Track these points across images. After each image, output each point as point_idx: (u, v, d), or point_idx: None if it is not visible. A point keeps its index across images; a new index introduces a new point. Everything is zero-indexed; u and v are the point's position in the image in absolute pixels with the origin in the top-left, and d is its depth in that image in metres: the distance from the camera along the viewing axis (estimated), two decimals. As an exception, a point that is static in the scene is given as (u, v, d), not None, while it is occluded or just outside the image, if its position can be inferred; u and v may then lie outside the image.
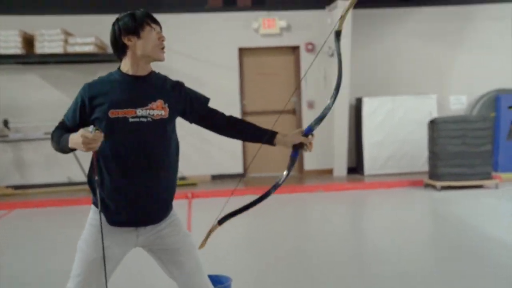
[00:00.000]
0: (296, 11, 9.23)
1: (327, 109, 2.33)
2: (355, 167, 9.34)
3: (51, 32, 8.04)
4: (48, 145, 9.29)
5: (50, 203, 7.70)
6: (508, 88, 9.32)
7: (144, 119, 2.18)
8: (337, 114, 8.89)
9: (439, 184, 7.58)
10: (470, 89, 9.54)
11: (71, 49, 8.09)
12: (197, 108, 2.36)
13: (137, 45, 2.19)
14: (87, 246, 2.20)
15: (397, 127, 8.87)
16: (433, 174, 7.75)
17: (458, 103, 9.65)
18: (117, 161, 2.17)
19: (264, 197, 2.40)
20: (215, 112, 2.39)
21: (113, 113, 2.15)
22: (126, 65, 2.24)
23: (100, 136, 2.00)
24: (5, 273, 4.52)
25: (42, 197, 8.11)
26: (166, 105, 2.23)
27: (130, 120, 2.16)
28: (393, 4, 9.51)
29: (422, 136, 8.43)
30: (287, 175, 2.42)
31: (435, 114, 8.76)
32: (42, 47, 8.03)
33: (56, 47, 8.03)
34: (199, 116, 2.37)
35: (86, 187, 9.66)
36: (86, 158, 2.82)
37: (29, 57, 8.17)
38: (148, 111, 2.19)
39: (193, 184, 8.60)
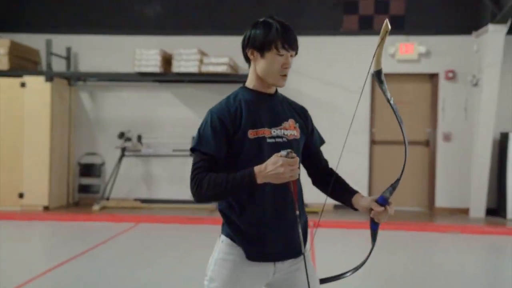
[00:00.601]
0: (438, 36, 8.63)
1: (398, 181, 2.01)
2: (496, 209, 8.41)
3: (188, 52, 8.23)
4: (175, 162, 9.45)
5: (175, 220, 7.78)
6: None
7: (279, 139, 1.98)
8: (477, 149, 8.10)
9: None
10: None
11: (205, 69, 8.21)
12: (312, 142, 2.18)
13: (257, 63, 2.00)
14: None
15: (549, 167, 7.87)
16: None
17: None
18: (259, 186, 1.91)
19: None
20: (322, 156, 2.24)
21: (252, 134, 1.95)
22: (251, 80, 2.06)
23: (297, 160, 1.78)
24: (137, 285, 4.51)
25: (166, 212, 8.25)
26: (297, 125, 2.07)
27: (268, 140, 1.96)
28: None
29: None
30: (371, 249, 2.12)
31: None
32: (179, 66, 8.24)
33: (191, 67, 8.20)
34: (309, 152, 2.18)
35: (207, 206, 9.60)
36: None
37: (166, 75, 8.42)
38: (282, 130, 2.01)
39: (315, 212, 8.26)
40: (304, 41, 8.73)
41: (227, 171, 1.87)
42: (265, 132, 1.96)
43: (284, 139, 1.99)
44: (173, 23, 9.06)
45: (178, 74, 8.30)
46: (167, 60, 8.44)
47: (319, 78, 8.73)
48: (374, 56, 1.94)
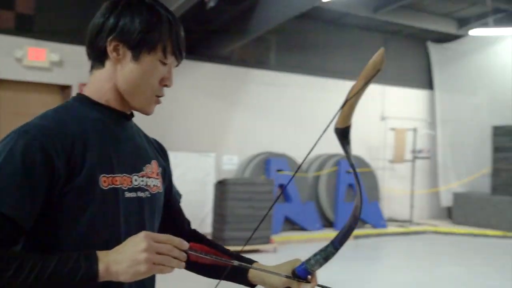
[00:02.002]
0: (71, 45, 8.02)
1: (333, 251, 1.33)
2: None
3: None
4: None
5: None
6: (276, 152, 9.63)
7: (142, 194, 1.28)
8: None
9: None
10: (242, 149, 9.59)
11: None
12: (172, 196, 1.50)
13: (124, 67, 1.24)
14: None
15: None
16: (219, 237, 7.29)
17: (230, 163, 9.57)
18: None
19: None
20: (185, 216, 1.57)
21: (105, 181, 1.18)
22: (100, 90, 1.27)
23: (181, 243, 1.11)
24: None
25: None
26: (160, 170, 1.38)
27: (126, 195, 1.23)
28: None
29: (203, 196, 7.99)
30: None
31: (212, 174, 8.45)
32: None
33: None
34: (169, 211, 1.48)
35: None
36: None
37: None
38: (145, 179, 1.30)
39: None
40: None
41: (41, 252, 1.10)
42: (124, 180, 1.22)
43: (147, 193, 1.29)
44: None
45: None
46: None
47: None
48: (343, 104, 1.17)
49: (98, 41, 1.24)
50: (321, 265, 1.30)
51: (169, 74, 1.29)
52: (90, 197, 1.15)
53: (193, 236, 1.52)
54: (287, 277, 1.31)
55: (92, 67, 1.29)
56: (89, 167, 1.16)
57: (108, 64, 1.26)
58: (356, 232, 9.59)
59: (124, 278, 1.06)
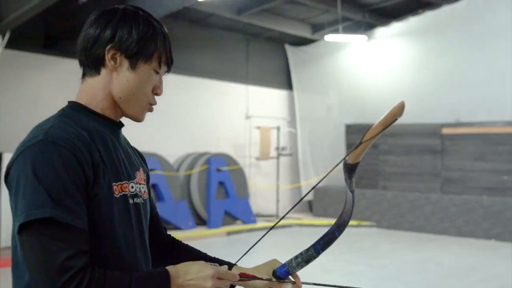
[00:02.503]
0: None
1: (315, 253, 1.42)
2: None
3: None
4: None
5: None
6: (148, 151, 9.50)
7: (138, 200, 1.33)
8: None
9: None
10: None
11: None
12: (151, 201, 1.52)
13: (120, 75, 1.28)
14: None
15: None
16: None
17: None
18: (122, 266, 1.22)
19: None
20: (161, 222, 1.60)
21: (117, 189, 1.24)
22: (95, 98, 1.30)
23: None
24: None
25: None
26: (145, 176, 1.43)
27: (130, 201, 1.29)
28: (39, 50, 8.59)
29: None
30: None
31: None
32: None
33: None
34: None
35: None
36: None
37: None
38: (138, 186, 1.35)
39: None
40: None
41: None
42: (126, 187, 1.28)
43: (141, 199, 1.35)
44: None
45: None
46: None
47: None
48: (359, 144, 1.24)
49: (95, 50, 1.27)
50: (302, 267, 1.39)
51: (160, 83, 1.34)
52: (110, 205, 1.21)
53: (172, 242, 1.57)
54: (277, 280, 1.40)
55: (84, 74, 1.31)
56: (106, 175, 1.21)
57: (104, 72, 1.28)
58: (229, 228, 9.82)
59: None
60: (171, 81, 10.32)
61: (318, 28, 11.96)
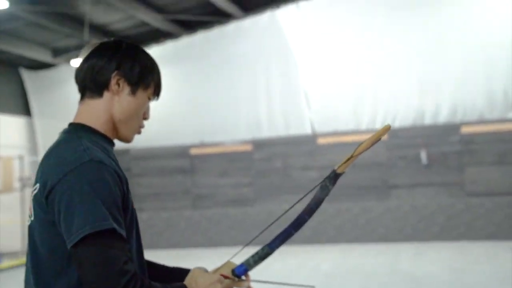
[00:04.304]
0: None
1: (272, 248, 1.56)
2: None
3: None
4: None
5: None
6: None
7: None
8: None
9: None
10: None
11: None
12: None
13: (122, 100, 1.46)
14: None
15: None
16: None
17: None
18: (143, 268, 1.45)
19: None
20: None
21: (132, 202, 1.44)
22: (99, 120, 1.46)
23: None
24: None
25: None
26: None
27: (136, 212, 1.49)
28: None
29: None
30: None
31: None
32: None
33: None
34: None
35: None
36: None
37: None
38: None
39: None
40: None
41: None
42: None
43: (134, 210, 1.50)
44: None
45: None
46: None
47: None
48: (349, 158, 1.47)
49: (101, 75, 1.45)
50: (258, 264, 1.56)
51: (148, 109, 1.55)
52: (131, 217, 1.39)
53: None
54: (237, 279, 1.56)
55: (84, 96, 1.48)
56: (128, 193, 1.37)
57: (106, 95, 1.46)
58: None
59: None
60: None
61: (60, 52, 11.64)
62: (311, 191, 1.58)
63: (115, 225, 1.24)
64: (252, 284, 1.59)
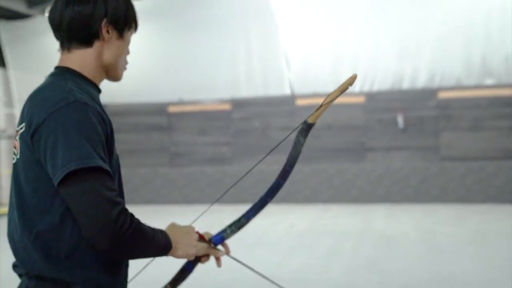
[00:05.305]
0: None
1: (246, 218, 1.59)
2: None
3: None
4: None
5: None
6: None
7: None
8: None
9: None
10: None
11: None
12: None
13: (110, 45, 1.44)
14: None
15: None
16: None
17: None
18: None
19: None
20: None
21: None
22: (88, 67, 1.42)
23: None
24: None
25: None
26: None
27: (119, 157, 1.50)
28: None
29: None
30: None
31: None
32: None
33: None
34: None
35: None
36: None
37: None
38: None
39: None
40: None
41: None
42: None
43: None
44: None
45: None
46: None
47: None
48: (319, 107, 1.49)
49: (91, 25, 1.39)
50: (235, 233, 1.59)
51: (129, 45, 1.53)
52: (117, 163, 1.42)
53: None
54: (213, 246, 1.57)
55: (71, 47, 1.42)
56: (111, 133, 1.36)
57: (97, 44, 1.42)
58: None
59: (177, 255, 1.42)
60: None
61: (35, 2, 11.30)
62: (277, 146, 1.64)
63: (101, 162, 1.24)
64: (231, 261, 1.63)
